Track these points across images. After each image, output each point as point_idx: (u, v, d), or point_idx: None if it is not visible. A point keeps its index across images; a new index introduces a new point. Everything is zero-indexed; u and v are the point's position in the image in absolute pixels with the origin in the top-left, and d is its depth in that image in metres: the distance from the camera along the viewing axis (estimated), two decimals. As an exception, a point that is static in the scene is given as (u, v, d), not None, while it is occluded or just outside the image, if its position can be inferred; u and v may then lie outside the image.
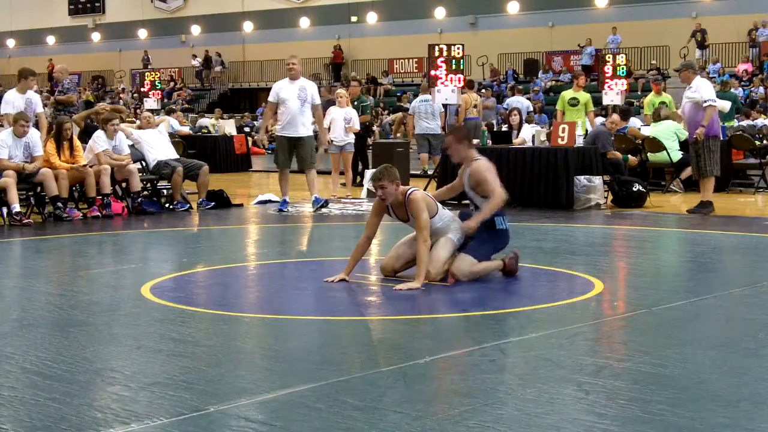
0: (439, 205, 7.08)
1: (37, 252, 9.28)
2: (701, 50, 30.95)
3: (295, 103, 12.05)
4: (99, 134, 11.96)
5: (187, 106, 36.85)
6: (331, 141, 14.12)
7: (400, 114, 27.85)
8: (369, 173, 14.29)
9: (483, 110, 24.79)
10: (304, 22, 40.27)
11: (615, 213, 12.00)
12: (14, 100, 12.02)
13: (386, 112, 31.98)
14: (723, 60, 30.68)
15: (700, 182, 11.75)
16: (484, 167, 7.07)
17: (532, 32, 34.82)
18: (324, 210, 12.21)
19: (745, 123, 18.61)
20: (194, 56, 42.20)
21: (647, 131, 15.38)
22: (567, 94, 15.78)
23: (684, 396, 4.07)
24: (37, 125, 12.20)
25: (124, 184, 12.14)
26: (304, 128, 12.17)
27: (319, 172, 16.46)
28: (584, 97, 15.64)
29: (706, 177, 11.56)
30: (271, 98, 12.31)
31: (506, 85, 33.49)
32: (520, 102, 23.66)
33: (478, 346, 4.92)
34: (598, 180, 12.39)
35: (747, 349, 4.91)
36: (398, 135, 24.75)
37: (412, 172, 16.14)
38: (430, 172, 16.22)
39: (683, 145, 15.02)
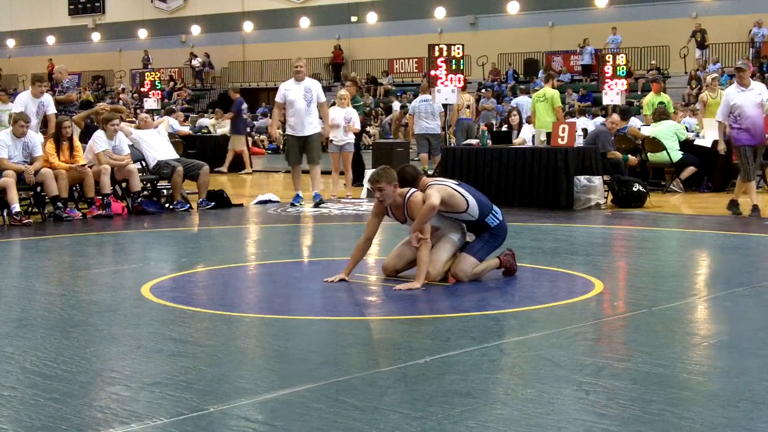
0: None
1: (37, 252, 9.28)
2: (701, 50, 30.95)
3: (301, 103, 12.74)
4: (99, 134, 11.97)
5: (187, 106, 36.84)
6: (331, 141, 14.23)
7: (397, 112, 27.83)
8: (369, 173, 14.32)
9: (483, 111, 24.83)
10: (304, 22, 40.27)
11: (615, 213, 12.00)
12: (27, 102, 12.11)
13: (382, 114, 32.00)
14: (723, 60, 30.68)
15: (749, 185, 11.56)
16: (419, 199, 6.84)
17: (532, 32, 34.81)
18: (323, 209, 12.38)
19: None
20: (193, 55, 42.18)
21: (647, 131, 15.38)
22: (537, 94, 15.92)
23: (684, 396, 4.07)
24: (45, 126, 12.28)
25: (124, 184, 12.15)
26: (311, 127, 12.87)
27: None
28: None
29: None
30: (278, 99, 13.03)
31: (506, 85, 33.51)
32: (528, 101, 23.69)
33: (478, 346, 4.91)
34: (598, 180, 12.39)
35: (747, 349, 4.91)
36: (399, 135, 24.70)
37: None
38: (430, 172, 16.22)
39: (683, 145, 15.04)
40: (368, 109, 29.01)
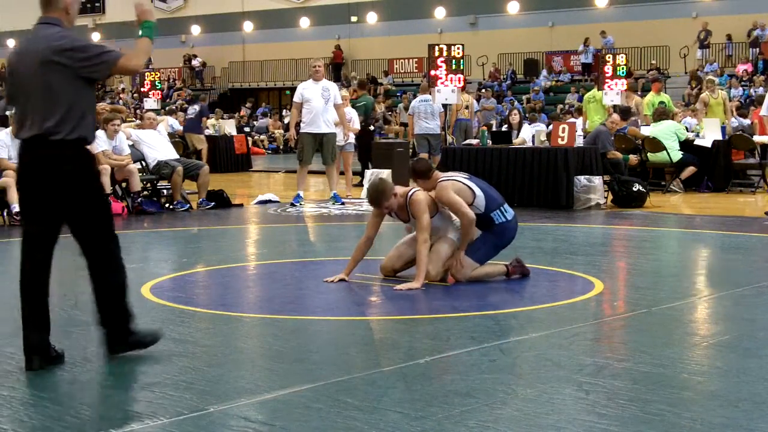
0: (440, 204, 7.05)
1: (37, 252, 9.26)
2: (702, 50, 30.93)
3: (319, 102, 12.79)
4: (99, 134, 11.95)
5: (187, 106, 36.83)
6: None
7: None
8: (369, 173, 14.33)
9: (483, 111, 24.83)
10: (304, 22, 40.28)
11: (615, 213, 12.00)
12: None
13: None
14: (723, 60, 30.66)
15: None
16: (431, 196, 6.88)
17: (532, 32, 34.80)
18: (323, 209, 12.43)
19: (745, 123, 18.61)
20: (193, 56, 42.19)
21: (647, 131, 15.39)
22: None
23: (684, 396, 4.07)
24: None
25: (124, 184, 12.15)
26: (327, 126, 12.94)
27: (315, 172, 16.57)
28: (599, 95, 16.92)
29: None
30: (296, 98, 13.13)
31: (506, 84, 33.51)
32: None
33: (478, 346, 4.92)
34: (598, 180, 12.39)
35: (747, 349, 4.91)
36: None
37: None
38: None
39: (683, 145, 15.04)
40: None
